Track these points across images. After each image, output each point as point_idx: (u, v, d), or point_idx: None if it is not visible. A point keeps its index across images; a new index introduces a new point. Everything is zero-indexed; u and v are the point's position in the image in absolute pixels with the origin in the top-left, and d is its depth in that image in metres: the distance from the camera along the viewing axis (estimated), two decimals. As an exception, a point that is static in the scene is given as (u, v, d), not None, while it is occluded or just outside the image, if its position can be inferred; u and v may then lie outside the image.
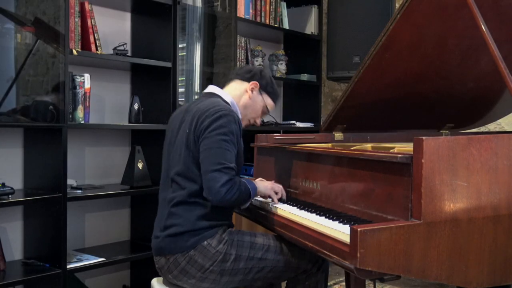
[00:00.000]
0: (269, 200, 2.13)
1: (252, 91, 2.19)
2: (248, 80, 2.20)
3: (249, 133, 3.51)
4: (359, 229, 1.37)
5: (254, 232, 2.11)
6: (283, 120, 4.35)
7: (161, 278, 2.15)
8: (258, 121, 2.28)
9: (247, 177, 3.27)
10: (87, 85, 2.80)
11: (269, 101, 2.25)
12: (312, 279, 2.11)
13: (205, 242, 1.96)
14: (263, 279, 2.06)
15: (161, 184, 2.15)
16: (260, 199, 2.19)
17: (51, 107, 2.63)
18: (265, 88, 2.22)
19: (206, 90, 2.23)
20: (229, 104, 2.13)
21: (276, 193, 2.13)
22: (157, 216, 2.12)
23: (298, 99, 4.34)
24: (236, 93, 2.19)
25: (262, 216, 2.11)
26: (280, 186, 2.17)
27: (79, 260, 2.73)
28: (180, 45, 3.26)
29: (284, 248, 2.06)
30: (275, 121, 4.03)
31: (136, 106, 3.02)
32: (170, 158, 2.10)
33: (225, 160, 1.92)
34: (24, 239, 2.78)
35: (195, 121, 2.01)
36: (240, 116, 2.15)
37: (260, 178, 2.36)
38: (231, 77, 2.26)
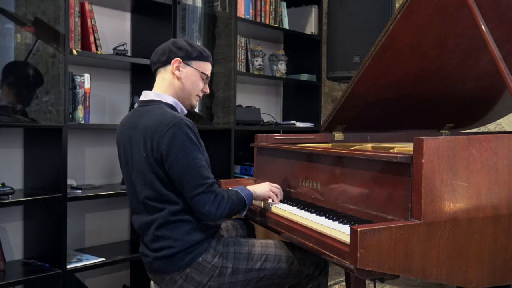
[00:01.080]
0: (269, 200, 2.12)
1: (178, 70, 1.99)
2: (168, 62, 2.00)
3: (249, 133, 3.51)
4: (359, 229, 1.37)
5: (252, 240, 2.06)
6: (283, 120, 4.35)
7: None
8: (207, 90, 2.09)
9: (247, 177, 3.28)
10: (87, 85, 2.80)
11: (202, 66, 2.03)
12: (314, 282, 2.08)
13: (200, 258, 1.90)
14: (263, 287, 2.03)
15: (132, 207, 2.05)
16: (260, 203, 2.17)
17: (51, 107, 2.63)
18: (189, 56, 2.00)
19: (143, 98, 2.06)
20: (173, 106, 2.01)
21: (276, 194, 2.11)
22: (141, 236, 2.03)
23: (298, 99, 4.34)
24: (168, 83, 2.02)
25: (262, 216, 2.11)
26: (278, 186, 2.14)
27: (79, 260, 2.72)
28: (180, 45, 3.25)
29: (284, 255, 2.01)
30: (275, 121, 4.03)
31: (136, 106, 3.01)
32: (133, 182, 1.97)
33: (203, 179, 1.84)
34: (24, 239, 2.78)
35: (149, 142, 1.88)
36: (186, 111, 2.06)
37: (249, 186, 2.33)
38: (153, 68, 2.06)
